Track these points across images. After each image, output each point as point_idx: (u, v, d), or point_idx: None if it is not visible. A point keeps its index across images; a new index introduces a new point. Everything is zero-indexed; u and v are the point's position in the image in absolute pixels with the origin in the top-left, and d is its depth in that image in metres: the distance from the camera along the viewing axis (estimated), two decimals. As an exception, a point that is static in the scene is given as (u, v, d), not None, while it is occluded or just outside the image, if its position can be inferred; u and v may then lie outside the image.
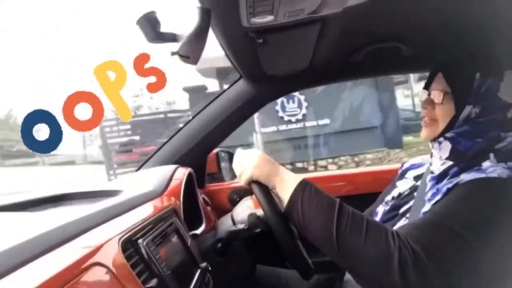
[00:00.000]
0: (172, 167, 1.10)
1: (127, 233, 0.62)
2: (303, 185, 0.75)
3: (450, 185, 0.74)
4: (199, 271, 0.77)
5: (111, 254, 0.55)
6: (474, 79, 0.77)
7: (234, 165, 0.85)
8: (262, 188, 0.79)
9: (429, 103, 0.84)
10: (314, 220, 0.72)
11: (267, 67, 1.12)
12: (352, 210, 0.72)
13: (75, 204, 0.85)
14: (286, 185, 0.77)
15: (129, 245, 0.61)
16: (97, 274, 0.50)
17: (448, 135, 0.80)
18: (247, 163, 0.82)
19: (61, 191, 0.94)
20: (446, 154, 0.80)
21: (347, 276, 0.92)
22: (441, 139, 0.81)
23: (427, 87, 0.85)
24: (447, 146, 0.80)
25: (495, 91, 0.76)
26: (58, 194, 0.91)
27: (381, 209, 0.94)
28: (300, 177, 0.78)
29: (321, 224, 0.71)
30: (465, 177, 0.74)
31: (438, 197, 0.75)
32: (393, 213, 0.89)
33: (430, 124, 0.83)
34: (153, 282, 0.58)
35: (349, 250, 0.69)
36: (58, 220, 0.57)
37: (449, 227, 0.68)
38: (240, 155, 0.86)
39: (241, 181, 0.84)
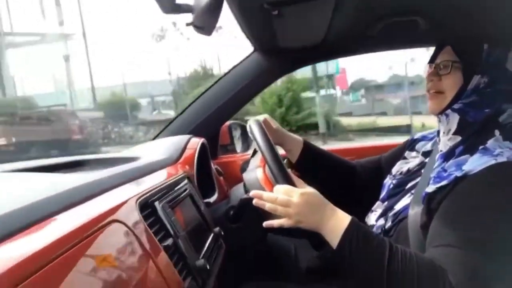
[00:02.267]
0: (186, 137, 1.13)
1: (144, 195, 0.65)
2: (351, 231, 0.71)
3: (459, 174, 0.73)
4: (212, 235, 0.80)
5: (129, 213, 0.58)
6: (482, 49, 0.76)
7: (278, 201, 0.75)
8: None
9: (434, 74, 0.82)
10: (364, 266, 0.70)
11: (282, 40, 1.12)
12: (402, 251, 0.69)
13: (94, 168, 0.88)
14: (333, 230, 0.72)
15: (146, 206, 0.64)
16: (116, 230, 0.52)
17: (455, 106, 0.79)
18: (292, 211, 0.73)
19: (80, 157, 0.98)
20: (454, 126, 0.79)
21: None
22: (449, 111, 0.80)
23: (432, 60, 0.84)
24: (454, 118, 0.79)
25: (503, 62, 0.76)
26: (77, 160, 0.95)
27: (388, 182, 0.95)
28: (346, 221, 0.72)
29: (371, 270, 0.69)
30: (474, 165, 0.72)
31: (444, 183, 0.74)
32: (399, 189, 0.91)
33: (436, 96, 0.82)
34: (169, 241, 0.61)
35: None
36: (79, 180, 0.61)
37: (480, 252, 0.67)
38: (284, 192, 0.75)
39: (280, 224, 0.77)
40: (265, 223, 0.77)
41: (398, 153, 1.02)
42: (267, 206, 0.75)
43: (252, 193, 0.78)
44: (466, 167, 0.73)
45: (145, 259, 0.54)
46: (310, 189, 0.76)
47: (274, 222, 0.76)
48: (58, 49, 14.90)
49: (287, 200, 0.73)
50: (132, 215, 0.58)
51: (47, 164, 0.84)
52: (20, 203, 0.47)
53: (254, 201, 0.78)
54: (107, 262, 0.48)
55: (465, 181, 0.72)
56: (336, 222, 0.72)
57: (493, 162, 0.71)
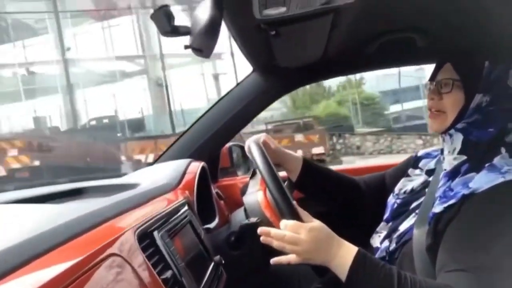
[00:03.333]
0: (186, 161, 1.11)
1: (142, 225, 0.63)
2: (358, 263, 0.70)
3: (466, 192, 0.71)
4: (212, 264, 0.78)
5: (127, 245, 0.56)
6: (483, 67, 0.75)
7: (286, 238, 0.73)
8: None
9: (435, 93, 0.81)
10: None
11: (280, 59, 1.12)
12: (411, 280, 0.68)
13: (93, 197, 0.86)
14: (340, 264, 0.71)
15: (144, 236, 0.62)
16: (114, 265, 0.51)
17: (459, 126, 0.77)
18: (299, 249, 0.72)
19: (79, 185, 0.96)
20: (459, 146, 0.78)
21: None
22: (452, 131, 0.78)
23: (432, 78, 0.83)
24: (458, 137, 0.78)
25: (505, 79, 0.75)
26: (76, 188, 0.93)
27: (391, 201, 0.94)
28: (353, 250, 0.71)
29: None
30: (481, 182, 0.71)
31: (452, 202, 0.73)
32: (404, 209, 0.89)
33: (438, 115, 0.80)
34: (168, 273, 0.59)
35: None
36: (76, 212, 0.59)
37: (485, 255, 0.66)
38: (291, 230, 0.73)
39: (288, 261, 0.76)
40: (273, 261, 0.76)
41: (402, 170, 1.01)
42: (275, 244, 0.74)
43: (259, 230, 0.76)
44: (473, 185, 0.72)
45: (143, 293, 0.52)
46: (317, 224, 0.74)
47: (282, 259, 0.74)
48: (208, 69, 15.59)
49: (296, 238, 0.72)
50: (130, 247, 0.56)
51: (45, 193, 0.83)
52: (17, 238, 0.46)
53: (262, 238, 0.76)
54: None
55: (473, 199, 0.70)
56: (343, 255, 0.71)
57: (501, 180, 0.70)
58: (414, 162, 0.99)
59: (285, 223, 0.74)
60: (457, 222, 0.71)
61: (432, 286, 0.67)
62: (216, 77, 15.91)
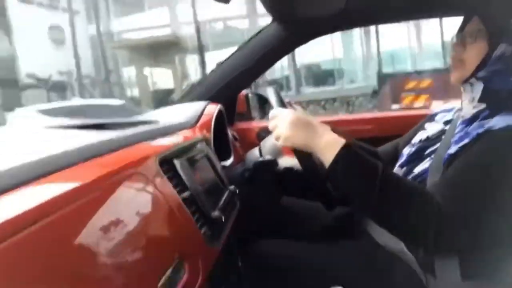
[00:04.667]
0: (203, 102, 1.15)
1: (163, 151, 0.68)
2: (344, 153, 0.72)
3: (480, 130, 0.73)
4: (227, 191, 0.84)
5: (150, 166, 0.60)
6: (509, 19, 0.75)
7: (270, 125, 0.82)
8: (300, 154, 0.81)
9: (459, 44, 0.82)
10: (356, 187, 0.72)
11: (300, 9, 1.11)
12: (395, 176, 0.72)
13: (114, 129, 0.92)
14: (325, 152, 0.74)
15: (165, 162, 0.66)
16: (137, 182, 0.55)
17: (480, 74, 0.78)
18: (282, 128, 0.78)
19: (101, 120, 1.02)
20: (478, 94, 0.79)
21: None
22: (473, 79, 0.79)
23: (460, 31, 0.83)
24: (479, 86, 0.79)
25: None
26: (98, 122, 0.98)
27: (406, 151, 0.95)
28: (340, 141, 0.74)
29: (363, 191, 0.71)
30: (498, 122, 0.72)
31: (466, 141, 0.75)
32: (418, 155, 0.90)
33: (459, 66, 0.81)
34: (187, 194, 0.65)
35: (388, 216, 0.71)
36: (100, 136, 0.64)
37: (480, 183, 0.69)
38: (274, 115, 0.82)
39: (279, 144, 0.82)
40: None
41: (416, 132, 1.01)
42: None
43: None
44: (489, 124, 0.73)
45: (163, 208, 0.58)
46: (298, 113, 0.80)
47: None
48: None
49: (277, 121, 0.79)
50: (152, 168, 0.61)
51: (75, 124, 0.88)
52: (44, 153, 0.50)
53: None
54: (127, 208, 0.51)
55: (487, 135, 0.72)
56: (330, 141, 0.74)
57: None
58: (429, 118, 1.00)
59: (273, 112, 0.82)
60: (466, 155, 0.73)
61: (415, 187, 0.71)
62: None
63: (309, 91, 12.54)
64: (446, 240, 0.69)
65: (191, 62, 13.53)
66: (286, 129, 0.77)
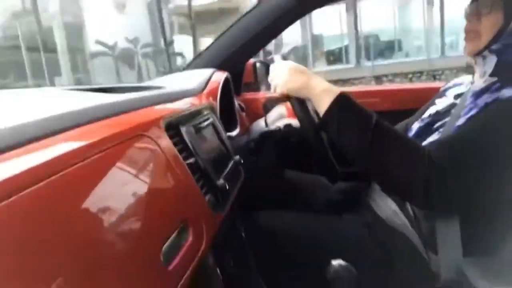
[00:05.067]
0: (210, 70, 1.13)
1: (169, 116, 0.67)
2: (340, 99, 0.75)
3: (489, 100, 0.72)
4: (232, 161, 0.83)
5: (155, 130, 0.59)
6: None
7: (269, 78, 0.86)
8: (297, 101, 0.82)
9: (473, 14, 0.79)
10: (349, 134, 0.73)
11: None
12: (388, 126, 0.73)
13: (120, 93, 0.90)
14: (321, 98, 0.76)
15: (171, 127, 0.66)
16: (143, 143, 0.55)
17: (494, 47, 0.76)
18: (279, 76, 0.82)
19: (105, 85, 1.01)
20: (491, 68, 0.77)
21: (374, 185, 0.97)
22: (486, 52, 0.77)
23: (472, 2, 0.80)
24: (492, 59, 0.77)
25: None
26: (105, 86, 0.97)
27: (416, 125, 0.94)
28: (336, 90, 0.77)
29: (356, 139, 0.72)
30: (507, 91, 0.71)
31: (473, 112, 0.74)
32: (427, 129, 0.89)
33: (473, 37, 0.79)
34: (192, 160, 0.64)
35: (380, 166, 0.71)
36: (106, 98, 0.63)
37: (476, 144, 0.69)
38: (273, 67, 0.86)
39: (276, 93, 0.85)
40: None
41: (427, 108, 0.99)
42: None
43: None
44: (498, 94, 0.72)
45: (169, 172, 0.57)
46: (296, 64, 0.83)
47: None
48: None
49: (276, 71, 0.84)
50: (158, 132, 0.60)
51: (82, 88, 0.87)
52: (50, 112, 0.48)
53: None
54: (132, 171, 0.51)
55: (494, 104, 0.71)
56: (326, 88, 0.77)
57: None
58: (441, 92, 0.98)
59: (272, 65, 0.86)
60: (471, 121, 0.73)
61: (408, 139, 0.72)
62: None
63: (370, 64, 11.77)
64: (437, 195, 0.68)
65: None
66: (283, 76, 0.81)
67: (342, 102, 0.75)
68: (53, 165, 0.39)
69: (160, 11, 11.61)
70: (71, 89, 0.82)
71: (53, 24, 10.17)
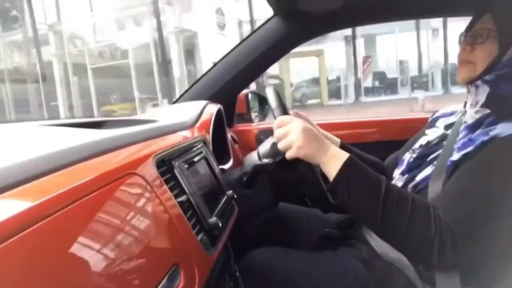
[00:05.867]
0: (203, 102, 1.13)
1: (160, 152, 0.66)
2: (349, 165, 0.74)
3: (485, 138, 0.71)
4: (225, 197, 0.81)
5: (146, 167, 0.58)
6: None
7: (277, 133, 0.80)
8: (307, 166, 0.79)
9: (468, 43, 0.79)
10: (360, 200, 0.72)
11: (302, 3, 1.09)
12: (398, 190, 0.72)
13: (112, 127, 0.89)
14: (331, 163, 0.75)
15: (162, 163, 0.64)
16: (132, 182, 0.53)
17: (487, 77, 0.76)
18: (293, 136, 0.76)
19: (98, 119, 1.00)
20: (483, 99, 0.77)
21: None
22: (479, 82, 0.77)
23: (468, 29, 0.81)
24: (484, 90, 0.76)
25: None
26: (96, 120, 0.96)
27: (407, 156, 0.93)
28: (343, 154, 0.75)
29: (367, 205, 0.71)
30: (504, 129, 0.70)
31: (470, 149, 0.73)
32: (420, 162, 0.88)
33: (467, 65, 0.79)
34: (183, 197, 0.62)
35: (392, 231, 0.70)
36: (96, 135, 0.61)
37: (487, 196, 0.68)
38: (283, 123, 0.79)
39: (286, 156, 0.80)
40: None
41: (416, 140, 0.99)
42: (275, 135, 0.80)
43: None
44: (494, 132, 0.71)
45: (160, 212, 0.55)
46: (306, 124, 0.79)
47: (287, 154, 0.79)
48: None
49: (287, 130, 0.78)
50: (149, 169, 0.59)
51: (70, 122, 0.86)
52: (40, 152, 0.47)
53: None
54: (122, 212, 0.49)
55: (492, 143, 0.70)
56: (335, 154, 0.76)
57: None
58: (430, 122, 0.98)
59: (278, 118, 0.81)
60: (471, 164, 0.72)
61: (418, 204, 0.70)
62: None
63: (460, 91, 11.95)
64: (450, 256, 0.67)
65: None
66: (298, 139, 0.75)
67: (350, 169, 0.73)
68: (38, 211, 0.37)
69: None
70: (58, 124, 0.80)
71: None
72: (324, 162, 0.76)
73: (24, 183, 0.40)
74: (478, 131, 0.75)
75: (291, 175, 0.89)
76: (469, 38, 0.80)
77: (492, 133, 0.71)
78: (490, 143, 0.71)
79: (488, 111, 0.76)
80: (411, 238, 0.69)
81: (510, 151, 0.70)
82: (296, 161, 0.78)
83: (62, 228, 0.39)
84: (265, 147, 0.96)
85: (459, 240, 0.67)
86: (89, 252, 0.41)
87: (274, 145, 0.89)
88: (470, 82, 0.79)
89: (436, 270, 0.74)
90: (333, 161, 0.75)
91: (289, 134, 0.77)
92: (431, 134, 0.92)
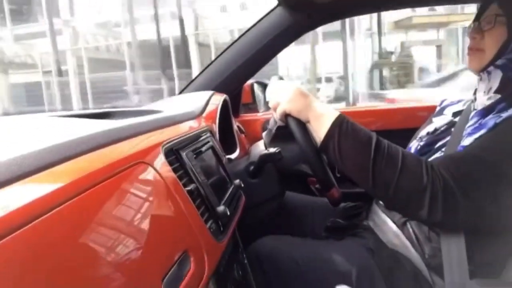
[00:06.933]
0: (209, 92, 1.13)
1: (168, 142, 0.66)
2: (340, 121, 0.75)
3: (498, 120, 0.71)
4: (232, 186, 0.82)
5: (155, 157, 0.59)
6: None
7: (268, 96, 0.85)
8: (297, 122, 0.81)
9: (477, 31, 0.79)
10: (350, 155, 0.73)
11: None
12: (388, 144, 0.72)
13: (120, 118, 0.90)
14: (321, 120, 0.76)
15: (170, 152, 0.65)
16: (142, 171, 0.54)
17: (498, 62, 0.75)
18: (280, 96, 0.81)
19: (105, 110, 1.00)
20: (496, 84, 0.76)
21: (374, 207, 0.95)
22: (491, 68, 0.76)
23: (477, 18, 0.80)
24: (497, 75, 0.76)
25: None
26: (103, 111, 0.96)
27: (414, 145, 0.93)
28: (335, 112, 0.77)
29: (357, 160, 0.72)
30: None
31: (482, 131, 0.73)
32: (427, 149, 0.88)
33: (477, 53, 0.79)
34: (192, 186, 0.63)
35: (383, 184, 0.70)
36: (105, 125, 0.62)
37: (489, 161, 0.67)
38: (274, 86, 0.85)
39: (275, 114, 0.84)
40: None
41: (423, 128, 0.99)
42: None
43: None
44: (507, 114, 0.71)
45: (169, 200, 0.56)
46: (297, 86, 0.82)
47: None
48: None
49: (279, 92, 0.82)
50: (158, 158, 0.59)
51: (77, 113, 0.86)
52: (49, 142, 0.47)
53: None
54: (133, 200, 0.50)
55: (506, 122, 0.70)
56: (325, 112, 0.77)
57: None
58: (438, 111, 0.97)
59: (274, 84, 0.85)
60: (482, 140, 0.72)
61: (409, 157, 0.71)
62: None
63: None
64: (441, 209, 0.67)
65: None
66: (285, 96, 0.80)
67: (341, 124, 0.75)
68: (51, 199, 0.38)
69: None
70: (67, 115, 0.81)
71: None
72: (313, 118, 0.78)
73: (34, 173, 0.40)
74: (489, 116, 0.75)
75: (291, 150, 0.90)
76: (477, 27, 0.79)
77: (504, 115, 0.71)
78: (504, 123, 0.71)
79: (499, 96, 0.76)
80: (402, 189, 0.69)
81: None
82: (287, 118, 0.81)
83: (73, 217, 0.39)
84: (268, 135, 0.97)
85: (452, 194, 0.66)
86: (100, 240, 0.41)
87: (272, 117, 0.91)
88: (482, 70, 0.79)
89: (426, 224, 0.76)
90: (323, 118, 0.76)
91: (278, 94, 0.82)
92: (438, 121, 0.92)
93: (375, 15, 10.91)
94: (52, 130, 0.64)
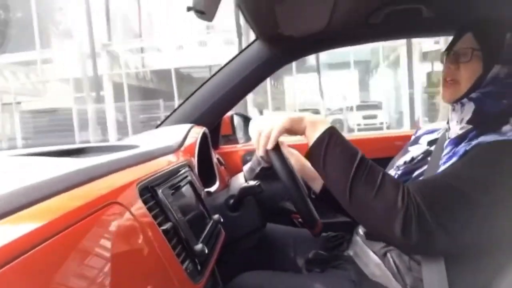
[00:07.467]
0: (188, 125, 1.13)
1: (144, 179, 0.65)
2: (332, 130, 0.77)
3: (468, 147, 0.73)
4: (211, 221, 0.80)
5: (129, 196, 0.57)
6: (504, 38, 0.75)
7: (251, 131, 0.83)
8: (281, 159, 0.81)
9: (453, 62, 0.80)
10: (334, 165, 0.74)
11: (284, 28, 1.12)
12: (372, 163, 0.73)
13: (94, 155, 0.88)
14: (317, 126, 0.77)
15: (145, 190, 0.63)
16: (115, 212, 0.52)
17: (472, 95, 0.77)
18: (272, 123, 0.79)
19: (80, 145, 0.98)
20: (468, 115, 0.78)
21: (355, 237, 0.95)
22: (465, 100, 0.78)
23: (450, 47, 0.83)
24: (470, 107, 0.78)
25: None
26: (78, 147, 0.95)
27: (392, 173, 0.94)
28: (327, 121, 0.80)
29: (339, 171, 0.73)
30: (484, 139, 0.72)
31: (454, 159, 0.74)
32: (405, 178, 0.89)
33: (452, 85, 0.81)
34: (168, 225, 0.61)
35: (359, 200, 0.71)
36: (76, 164, 0.60)
37: (459, 189, 0.68)
38: (260, 119, 0.84)
39: (258, 153, 0.83)
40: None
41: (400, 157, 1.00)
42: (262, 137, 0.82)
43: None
44: (477, 141, 0.73)
45: (143, 241, 0.54)
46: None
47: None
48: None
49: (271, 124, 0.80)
50: (131, 198, 0.58)
51: (50, 151, 0.84)
52: (19, 184, 0.46)
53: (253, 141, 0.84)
54: (105, 243, 0.48)
55: (475, 148, 0.72)
56: (320, 120, 0.79)
57: (503, 137, 0.71)
58: (413, 140, 0.99)
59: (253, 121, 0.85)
60: (453, 165, 0.74)
61: (389, 178, 0.72)
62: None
63: None
64: (415, 232, 0.67)
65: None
66: (279, 119, 0.79)
67: (333, 133, 0.76)
68: (17, 246, 0.36)
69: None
70: (33, 154, 0.79)
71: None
72: (310, 123, 0.78)
73: (5, 216, 0.39)
74: (462, 144, 0.77)
75: (275, 188, 0.89)
76: (453, 57, 0.81)
77: (474, 142, 0.73)
78: (473, 150, 0.73)
79: (470, 126, 0.78)
80: (376, 208, 0.70)
81: (491, 154, 0.71)
82: (272, 153, 0.80)
83: (41, 263, 0.38)
84: (248, 168, 0.96)
85: (425, 220, 0.67)
86: (71, 284, 0.40)
87: (255, 157, 0.90)
88: (456, 101, 0.81)
89: (400, 247, 0.76)
90: (318, 124, 0.78)
91: (272, 118, 0.80)
92: (415, 151, 0.93)
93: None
94: (19, 171, 0.62)
